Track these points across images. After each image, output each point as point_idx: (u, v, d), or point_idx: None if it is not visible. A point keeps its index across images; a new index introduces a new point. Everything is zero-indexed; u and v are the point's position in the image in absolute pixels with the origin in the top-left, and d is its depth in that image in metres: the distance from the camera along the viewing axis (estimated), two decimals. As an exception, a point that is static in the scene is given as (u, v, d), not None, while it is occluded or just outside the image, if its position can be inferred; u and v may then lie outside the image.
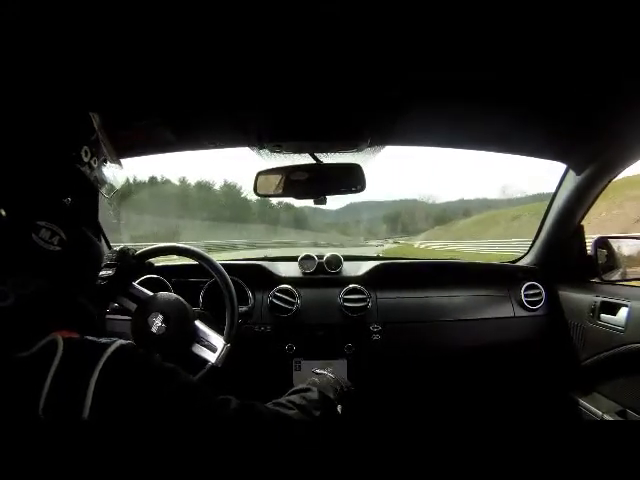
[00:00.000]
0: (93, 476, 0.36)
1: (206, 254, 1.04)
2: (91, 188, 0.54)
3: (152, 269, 1.00)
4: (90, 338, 0.43)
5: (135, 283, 0.95)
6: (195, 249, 1.05)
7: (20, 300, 0.41)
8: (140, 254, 0.96)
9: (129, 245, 0.92)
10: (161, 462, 0.39)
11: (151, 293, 0.94)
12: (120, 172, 0.61)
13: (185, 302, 0.94)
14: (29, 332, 0.40)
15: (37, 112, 0.48)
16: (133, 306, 0.91)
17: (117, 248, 0.88)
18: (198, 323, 0.93)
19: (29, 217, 0.44)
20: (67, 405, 0.37)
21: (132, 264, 0.90)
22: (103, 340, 0.42)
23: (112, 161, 0.57)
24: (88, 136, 0.52)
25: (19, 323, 0.40)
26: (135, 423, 0.39)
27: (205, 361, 0.89)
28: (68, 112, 0.51)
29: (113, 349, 0.41)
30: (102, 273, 0.81)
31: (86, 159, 0.51)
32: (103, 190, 0.57)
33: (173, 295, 0.95)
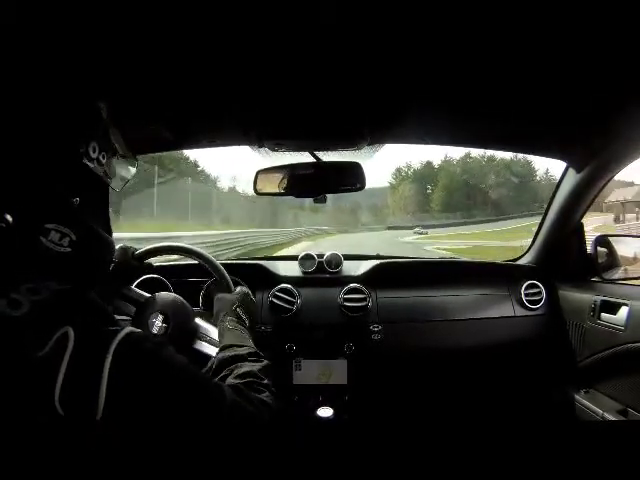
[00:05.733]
0: (111, 466, 0.37)
1: (206, 254, 1.04)
2: (100, 183, 0.53)
3: (152, 269, 0.99)
4: (99, 327, 0.43)
5: (133, 285, 0.94)
6: (195, 249, 1.04)
7: (34, 307, 0.40)
8: (139, 254, 0.95)
9: (128, 244, 0.91)
10: (169, 447, 0.40)
11: (148, 295, 0.93)
12: (131, 163, 0.60)
13: (184, 301, 0.93)
14: (42, 334, 0.40)
15: (42, 111, 0.47)
16: (132, 309, 0.90)
17: (117, 246, 0.86)
18: (198, 320, 0.92)
19: (36, 221, 0.43)
20: (83, 397, 0.37)
21: (131, 264, 0.88)
22: (111, 328, 0.43)
23: (123, 152, 0.56)
24: (95, 131, 0.51)
25: (33, 328, 0.40)
26: (148, 409, 0.40)
27: (208, 356, 0.89)
28: (72, 109, 0.50)
29: (122, 335, 0.41)
30: None
31: (94, 155, 0.50)
32: (113, 183, 0.56)
33: (172, 294, 0.95)
